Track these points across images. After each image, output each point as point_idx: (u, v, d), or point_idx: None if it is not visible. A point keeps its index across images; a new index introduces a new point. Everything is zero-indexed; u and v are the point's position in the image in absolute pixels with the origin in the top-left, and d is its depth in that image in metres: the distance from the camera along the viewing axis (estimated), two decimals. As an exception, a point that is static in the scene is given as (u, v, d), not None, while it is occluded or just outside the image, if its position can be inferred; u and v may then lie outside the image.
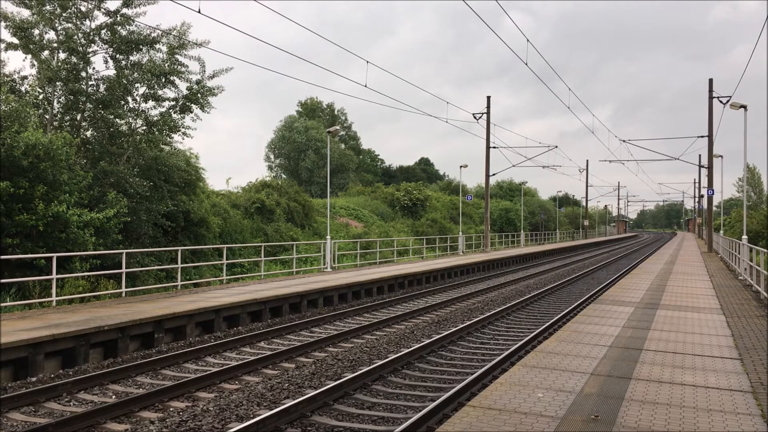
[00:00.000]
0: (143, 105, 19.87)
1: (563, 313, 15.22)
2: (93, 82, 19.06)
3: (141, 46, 19.22)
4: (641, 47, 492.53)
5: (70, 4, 18.18)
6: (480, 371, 9.00)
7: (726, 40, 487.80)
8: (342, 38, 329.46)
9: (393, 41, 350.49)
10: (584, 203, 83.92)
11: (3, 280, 12.78)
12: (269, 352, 10.91)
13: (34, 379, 9.18)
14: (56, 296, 13.29)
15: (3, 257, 12.66)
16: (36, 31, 18.24)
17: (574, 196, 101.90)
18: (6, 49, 18.14)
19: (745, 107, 23.01)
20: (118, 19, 18.81)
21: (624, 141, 40.92)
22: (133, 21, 18.90)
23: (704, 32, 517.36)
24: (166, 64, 19.33)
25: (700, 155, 63.26)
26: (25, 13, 18.13)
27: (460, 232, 40.04)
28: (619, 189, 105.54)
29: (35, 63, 18.27)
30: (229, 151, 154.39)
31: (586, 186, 78.08)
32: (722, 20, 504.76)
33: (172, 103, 20.05)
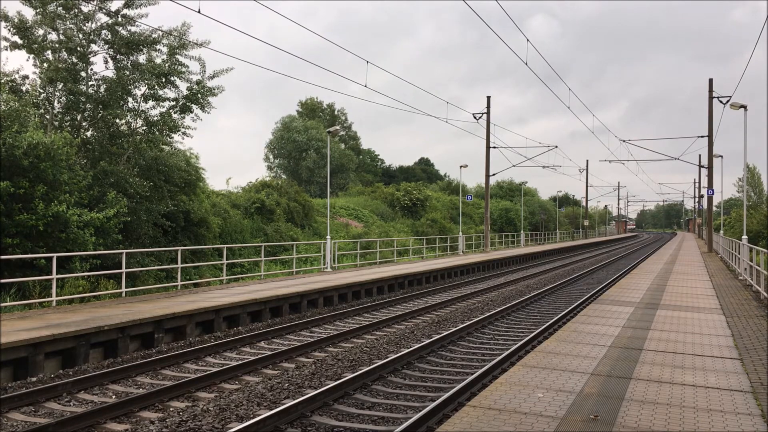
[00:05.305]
0: (143, 105, 19.89)
1: (563, 313, 15.22)
2: (93, 83, 19.07)
3: (142, 47, 19.23)
4: (655, 48, 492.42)
5: (72, 4, 18.19)
6: (480, 371, 9.00)
7: (743, 42, 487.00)
8: (365, 40, 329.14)
9: (411, 42, 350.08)
10: (584, 203, 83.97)
11: (3, 280, 12.79)
12: (269, 352, 10.91)
13: (34, 379, 9.18)
14: (56, 296, 13.29)
15: (3, 257, 12.66)
16: (40, 31, 18.25)
17: (574, 196, 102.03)
18: (10, 48, 18.14)
19: (745, 107, 23.03)
20: (119, 20, 18.81)
21: (624, 141, 40.95)
22: (134, 22, 18.91)
23: (725, 33, 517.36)
24: (167, 65, 19.34)
25: (700, 155, 63.38)
26: (30, 12, 18.17)
27: (460, 232, 40.03)
28: (619, 189, 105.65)
29: (37, 63, 18.28)
30: (231, 151, 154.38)
31: (586, 186, 78.14)
32: (741, 22, 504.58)
33: (172, 103, 20.07)
